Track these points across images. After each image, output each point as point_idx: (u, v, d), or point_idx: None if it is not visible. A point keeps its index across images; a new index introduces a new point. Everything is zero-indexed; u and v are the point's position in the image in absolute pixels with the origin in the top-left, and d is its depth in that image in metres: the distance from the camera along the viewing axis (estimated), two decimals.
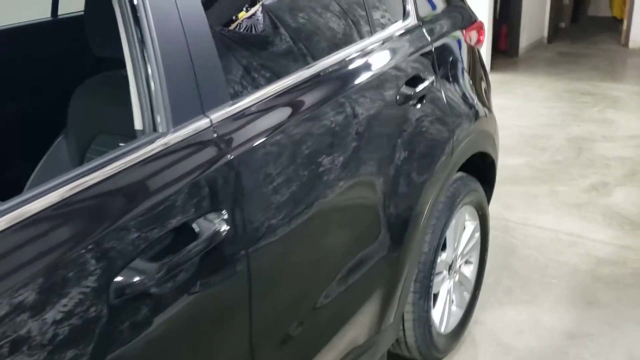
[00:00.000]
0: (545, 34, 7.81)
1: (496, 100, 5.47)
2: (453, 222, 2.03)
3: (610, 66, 6.56)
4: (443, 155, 1.82)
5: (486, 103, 2.23)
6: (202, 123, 1.10)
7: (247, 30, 1.53)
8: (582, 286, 2.62)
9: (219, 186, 1.09)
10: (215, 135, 1.11)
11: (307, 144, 1.31)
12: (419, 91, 1.72)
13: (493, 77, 6.24)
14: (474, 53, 2.22)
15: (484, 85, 2.26)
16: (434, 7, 2.08)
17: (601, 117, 4.88)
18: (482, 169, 2.29)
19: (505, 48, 7.20)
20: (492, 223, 3.17)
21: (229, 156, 1.12)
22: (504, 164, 3.92)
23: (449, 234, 2.05)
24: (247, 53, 1.36)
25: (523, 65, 6.85)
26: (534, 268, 2.77)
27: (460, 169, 2.10)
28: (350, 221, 1.50)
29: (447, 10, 2.15)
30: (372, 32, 1.67)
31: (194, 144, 1.08)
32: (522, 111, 5.12)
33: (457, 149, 1.91)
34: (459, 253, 2.16)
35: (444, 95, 1.87)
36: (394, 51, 1.71)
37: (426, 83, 1.76)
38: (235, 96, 1.20)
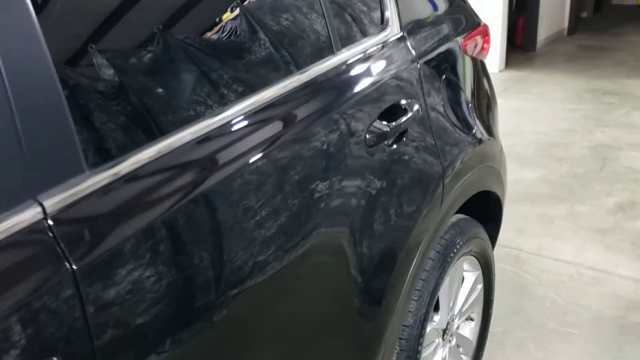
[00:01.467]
0: (566, 25, 7.31)
1: (509, 102, 5.06)
2: (447, 280, 1.63)
3: (637, 61, 6.05)
4: (430, 204, 1.41)
5: (491, 129, 1.81)
6: (30, 213, 0.71)
7: (230, 34, 1.15)
8: (608, 338, 2.20)
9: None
10: (50, 233, 0.72)
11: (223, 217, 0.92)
12: (397, 126, 1.31)
13: (507, 75, 5.82)
14: (476, 66, 1.80)
15: (488, 106, 1.85)
16: (429, 9, 1.66)
17: (627, 120, 4.41)
18: (485, 205, 1.89)
19: (522, 42, 6.72)
20: (502, 253, 2.77)
21: (70, 266, 0.72)
22: (518, 178, 3.49)
23: (443, 294, 1.65)
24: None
25: (541, 60, 6.37)
26: (550, 314, 2.35)
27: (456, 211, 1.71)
28: (303, 303, 1.11)
29: (444, 13, 1.74)
30: (333, 51, 1.26)
31: (14, 246, 0.69)
32: (538, 114, 4.66)
33: (449, 194, 1.50)
34: (455, 313, 1.76)
35: (432, 126, 1.46)
36: (362, 75, 1.30)
37: (408, 114, 1.35)
38: (97, 164, 0.79)
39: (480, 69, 1.85)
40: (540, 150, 3.95)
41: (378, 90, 1.31)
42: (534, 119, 4.54)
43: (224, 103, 0.98)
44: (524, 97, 5.14)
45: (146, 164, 0.83)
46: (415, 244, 1.38)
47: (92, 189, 0.77)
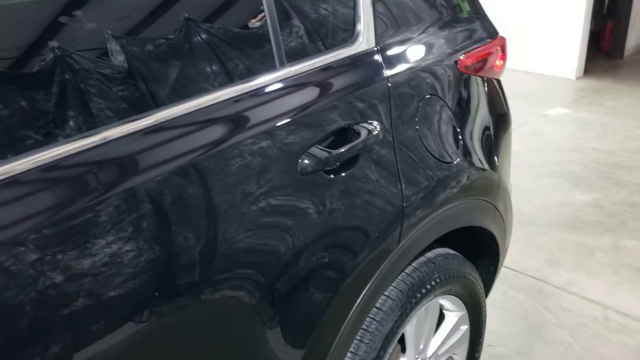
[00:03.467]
0: None
1: (578, 114, 4.65)
2: (414, 320, 1.48)
3: None
4: (380, 240, 1.26)
5: (491, 159, 1.62)
6: None
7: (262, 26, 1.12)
8: None
9: None
10: None
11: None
12: (343, 153, 1.17)
13: (584, 84, 5.37)
14: (479, 86, 1.61)
15: (491, 132, 1.65)
16: (425, 20, 1.49)
17: None
18: (480, 239, 1.70)
19: (608, 48, 6.22)
20: (525, 283, 2.54)
21: None
22: (564, 200, 3.22)
23: (409, 334, 1.50)
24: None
25: (626, 70, 5.87)
26: None
27: (444, 242, 1.54)
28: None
29: (444, 24, 1.56)
30: (275, 65, 1.13)
31: None
32: (607, 130, 4.28)
33: (413, 229, 1.34)
34: (428, 355, 1.60)
35: (397, 153, 1.30)
36: (304, 93, 1.16)
37: (361, 138, 1.21)
38: None
39: (487, 90, 1.65)
40: (599, 171, 3.62)
41: (324, 110, 1.17)
42: (601, 134, 4.17)
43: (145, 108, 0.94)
44: (596, 109, 4.74)
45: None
46: (356, 285, 1.23)
47: None
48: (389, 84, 1.31)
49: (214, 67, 1.06)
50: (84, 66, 0.90)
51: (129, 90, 0.95)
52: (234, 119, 1.04)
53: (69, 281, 0.80)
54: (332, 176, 1.16)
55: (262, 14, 1.14)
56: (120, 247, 0.85)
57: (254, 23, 1.15)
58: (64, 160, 0.83)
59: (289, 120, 1.11)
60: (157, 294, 0.91)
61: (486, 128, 1.64)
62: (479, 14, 1.69)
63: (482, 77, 1.64)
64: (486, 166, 1.60)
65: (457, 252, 1.60)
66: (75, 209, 0.81)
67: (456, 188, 1.45)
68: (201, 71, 1.05)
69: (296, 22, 1.22)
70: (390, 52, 1.35)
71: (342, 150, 1.16)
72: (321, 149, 1.15)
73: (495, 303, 2.39)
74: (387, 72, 1.31)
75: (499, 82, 1.77)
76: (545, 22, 5.72)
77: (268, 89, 1.11)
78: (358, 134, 1.21)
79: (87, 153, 0.85)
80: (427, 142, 1.38)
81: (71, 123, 0.86)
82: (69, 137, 0.85)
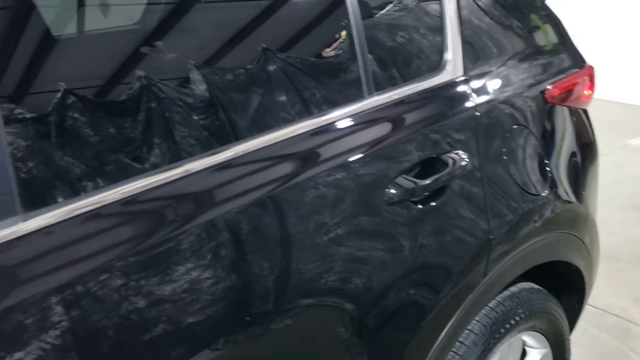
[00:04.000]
0: None
1: None
2: (497, 356, 1.43)
3: None
4: (465, 273, 1.24)
5: (578, 191, 1.56)
6: None
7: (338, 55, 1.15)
8: None
9: None
10: None
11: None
12: (432, 182, 1.16)
13: None
14: (566, 116, 1.57)
15: (579, 164, 1.60)
16: (512, 48, 1.48)
17: None
18: (565, 274, 1.64)
19: None
20: (609, 321, 2.42)
21: None
22: None
23: None
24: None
25: None
26: None
27: (528, 275, 1.49)
28: None
29: (532, 52, 1.53)
30: (363, 95, 1.15)
31: None
32: None
33: (500, 262, 1.31)
34: None
35: (484, 185, 1.28)
36: (393, 123, 1.17)
37: (449, 169, 1.20)
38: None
39: (574, 120, 1.60)
40: None
41: (411, 139, 1.17)
42: None
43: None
44: None
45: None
46: (440, 318, 1.21)
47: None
48: (477, 114, 1.30)
49: (299, 97, 1.08)
50: (169, 95, 0.93)
51: (209, 120, 0.97)
52: (325, 146, 1.06)
53: (151, 307, 0.82)
54: (419, 206, 1.16)
55: (339, 42, 1.16)
56: (199, 275, 0.86)
57: (329, 52, 1.17)
58: (147, 192, 0.85)
59: (377, 148, 1.11)
60: (241, 320, 0.91)
61: (573, 159, 1.59)
62: (565, 43, 1.66)
63: (570, 107, 1.59)
64: (573, 198, 1.54)
65: (541, 286, 1.55)
66: (156, 240, 0.83)
67: (542, 221, 1.41)
68: (287, 100, 1.07)
69: (383, 50, 1.23)
70: (478, 81, 1.34)
71: (430, 180, 1.16)
72: (409, 179, 1.14)
73: (576, 341, 2.28)
74: (476, 102, 1.30)
75: (585, 111, 1.72)
76: (629, 50, 5.52)
77: (357, 118, 1.12)
78: (446, 165, 1.20)
79: (168, 186, 0.86)
80: (514, 173, 1.35)
81: (156, 151, 0.89)
82: (154, 166, 0.87)
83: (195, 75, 0.96)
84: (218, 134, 0.97)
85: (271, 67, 1.07)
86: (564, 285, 1.71)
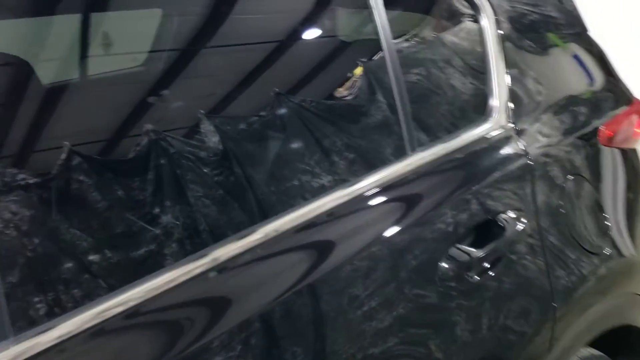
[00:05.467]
0: None
1: None
2: None
3: None
4: (526, 354, 1.07)
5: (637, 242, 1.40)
6: None
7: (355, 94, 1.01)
8: None
9: None
10: None
11: None
12: (489, 252, 1.00)
13: None
14: (617, 159, 1.41)
15: (632, 211, 1.43)
16: (561, 88, 1.33)
17: None
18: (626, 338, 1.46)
19: None
20: None
21: None
22: None
23: None
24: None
25: None
26: None
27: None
28: None
29: (582, 92, 1.38)
30: (406, 152, 0.99)
31: None
32: None
33: (565, 334, 1.14)
34: None
35: (545, 247, 1.12)
36: (438, 184, 1.01)
37: (507, 233, 1.03)
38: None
39: (627, 162, 1.44)
40: None
41: (461, 203, 1.01)
42: None
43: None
44: None
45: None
46: None
47: None
48: (532, 165, 1.14)
49: (329, 156, 0.93)
50: (179, 149, 0.81)
51: (224, 175, 0.84)
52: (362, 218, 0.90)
53: None
54: (479, 279, 0.99)
55: (353, 81, 1.02)
56: None
57: (342, 92, 1.03)
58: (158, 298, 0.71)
59: (422, 215, 0.96)
60: None
61: (630, 207, 1.43)
62: (613, 78, 1.51)
63: (622, 149, 1.44)
64: (634, 251, 1.38)
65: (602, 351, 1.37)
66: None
67: (609, 280, 1.24)
68: (316, 162, 0.92)
69: (424, 100, 1.09)
70: (527, 129, 1.18)
71: (487, 251, 0.99)
72: (463, 250, 0.98)
73: None
74: (527, 151, 1.15)
75: (635, 151, 1.56)
76: None
77: (398, 180, 0.97)
78: (502, 228, 1.04)
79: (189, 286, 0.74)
80: (574, 230, 1.19)
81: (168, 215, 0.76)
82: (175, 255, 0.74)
83: (207, 127, 0.84)
84: (234, 189, 0.84)
85: (295, 122, 0.93)
86: (620, 346, 1.53)
